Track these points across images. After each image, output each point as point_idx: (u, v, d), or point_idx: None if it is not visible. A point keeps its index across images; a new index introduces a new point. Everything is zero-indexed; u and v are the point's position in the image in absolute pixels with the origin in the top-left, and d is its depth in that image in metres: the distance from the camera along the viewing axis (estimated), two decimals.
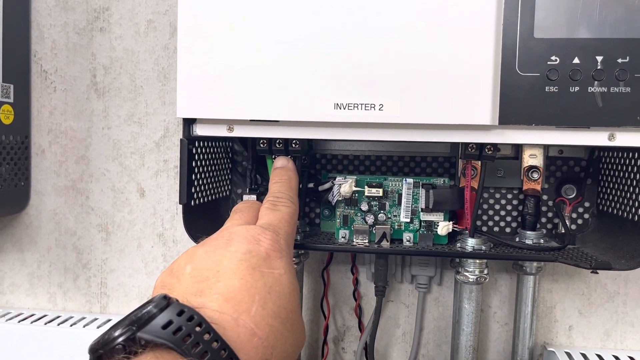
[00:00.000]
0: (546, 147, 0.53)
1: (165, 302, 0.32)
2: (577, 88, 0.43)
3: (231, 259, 0.37)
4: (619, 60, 0.43)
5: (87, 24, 0.65)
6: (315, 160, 0.60)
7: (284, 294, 0.37)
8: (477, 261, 0.53)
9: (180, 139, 0.49)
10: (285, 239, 0.42)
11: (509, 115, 0.44)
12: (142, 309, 0.31)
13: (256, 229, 0.41)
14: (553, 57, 0.43)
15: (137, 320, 0.31)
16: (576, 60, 0.43)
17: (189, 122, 0.49)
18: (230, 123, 0.48)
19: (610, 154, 0.54)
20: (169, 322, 0.31)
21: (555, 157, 0.57)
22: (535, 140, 0.46)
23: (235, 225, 0.42)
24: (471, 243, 0.51)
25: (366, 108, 0.45)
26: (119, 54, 0.65)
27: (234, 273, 0.36)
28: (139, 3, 0.64)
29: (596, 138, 0.45)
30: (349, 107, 0.45)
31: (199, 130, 0.49)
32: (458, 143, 0.53)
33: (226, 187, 0.60)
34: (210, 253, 0.38)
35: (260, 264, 0.38)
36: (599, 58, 0.43)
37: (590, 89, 0.43)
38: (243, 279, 0.36)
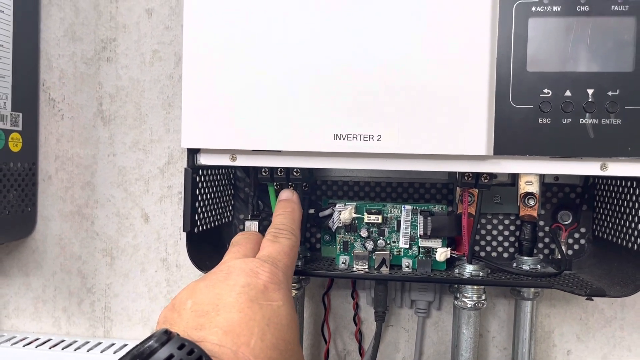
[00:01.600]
0: (542, 174, 0.54)
1: (166, 336, 0.33)
2: (569, 120, 0.45)
3: (230, 293, 0.38)
4: (609, 93, 0.44)
5: (95, 54, 0.67)
6: (315, 187, 0.61)
7: (283, 326, 0.38)
8: (475, 287, 0.53)
9: (185, 168, 0.50)
10: (284, 271, 0.43)
11: (503, 145, 0.45)
12: (143, 344, 0.32)
13: (254, 261, 0.42)
14: (545, 90, 0.45)
15: (139, 355, 0.31)
16: (568, 93, 0.45)
17: (193, 152, 0.50)
18: (233, 153, 0.50)
19: (605, 181, 0.55)
20: (170, 356, 0.32)
21: (551, 184, 0.58)
22: (529, 169, 0.47)
23: (233, 258, 0.43)
24: (469, 269, 0.53)
25: (365, 139, 0.46)
26: (125, 82, 0.67)
27: (232, 306, 0.37)
28: (144, 34, 0.66)
29: (589, 168, 0.46)
30: (349, 138, 0.46)
31: (203, 160, 0.50)
32: (455, 171, 0.55)
33: (229, 213, 0.61)
34: (210, 287, 0.39)
35: (258, 297, 0.38)
36: (590, 91, 0.44)
37: (582, 121, 0.45)
38: (242, 312, 0.37)
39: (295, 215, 0.51)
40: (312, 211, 0.57)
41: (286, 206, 0.51)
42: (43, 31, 0.68)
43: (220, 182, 0.58)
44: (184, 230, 0.50)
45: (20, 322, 0.70)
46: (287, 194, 0.53)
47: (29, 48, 0.66)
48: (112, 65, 0.67)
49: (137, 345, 0.32)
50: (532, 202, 0.54)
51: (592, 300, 0.47)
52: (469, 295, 0.54)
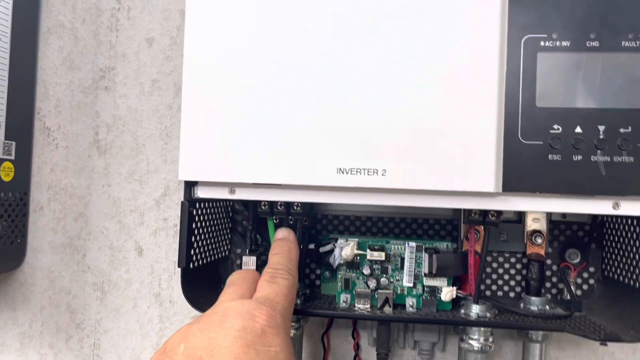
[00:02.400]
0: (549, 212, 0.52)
1: None
2: (580, 157, 0.43)
3: (225, 337, 0.36)
4: (621, 130, 0.43)
5: (93, 83, 0.66)
6: (316, 221, 0.60)
7: None
8: (482, 328, 0.51)
9: (182, 202, 0.48)
10: (282, 313, 0.41)
11: (512, 182, 0.44)
12: None
13: (251, 303, 0.40)
14: (555, 126, 0.44)
15: None
16: (578, 130, 0.44)
17: (190, 185, 0.49)
18: (232, 186, 0.48)
19: (614, 219, 0.54)
20: None
21: (559, 222, 0.57)
22: (539, 207, 0.45)
23: (229, 299, 0.41)
24: (475, 310, 0.50)
25: (369, 173, 0.45)
26: (123, 112, 0.65)
27: (228, 352, 0.35)
28: (144, 63, 0.65)
29: (600, 207, 0.44)
30: (352, 172, 0.45)
31: (201, 193, 0.49)
32: (462, 208, 0.53)
33: (226, 247, 0.59)
34: (204, 331, 0.37)
35: (255, 342, 0.37)
36: (601, 128, 0.43)
37: (593, 158, 0.43)
38: (238, 358, 0.35)
39: (293, 255, 0.49)
40: (312, 246, 0.56)
41: (283, 245, 0.49)
42: (40, 59, 0.67)
43: (218, 216, 0.56)
44: (178, 266, 0.48)
45: (5, 358, 0.67)
46: (283, 233, 0.51)
47: (25, 76, 0.65)
48: (110, 95, 0.66)
49: None
50: (539, 240, 0.52)
51: (606, 345, 0.45)
52: (475, 337, 0.51)
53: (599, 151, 0.43)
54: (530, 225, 0.52)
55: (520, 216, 0.54)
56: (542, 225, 0.52)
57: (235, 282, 0.45)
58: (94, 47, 0.66)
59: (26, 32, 0.64)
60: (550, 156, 0.44)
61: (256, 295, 0.43)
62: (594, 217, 0.56)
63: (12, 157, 0.62)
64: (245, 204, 0.59)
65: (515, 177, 0.44)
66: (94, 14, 0.66)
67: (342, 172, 0.45)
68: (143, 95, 0.65)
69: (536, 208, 0.45)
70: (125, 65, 0.65)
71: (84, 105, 0.66)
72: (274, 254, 0.48)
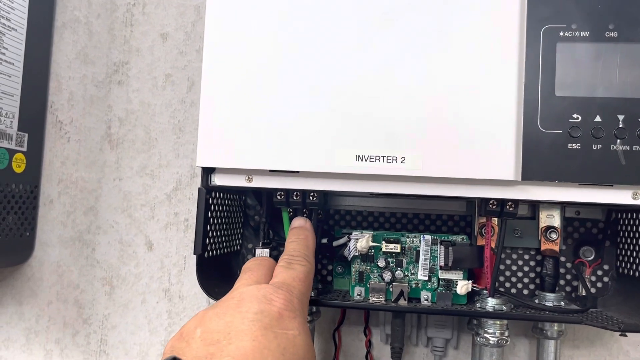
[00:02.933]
0: (563, 208, 0.52)
1: None
2: (599, 146, 0.44)
3: (242, 320, 0.36)
4: None
5: (106, 77, 0.66)
6: (328, 216, 0.59)
7: (299, 357, 0.36)
8: (498, 322, 0.51)
9: (199, 188, 0.48)
10: (299, 298, 0.41)
11: (532, 171, 0.44)
12: None
13: (268, 288, 0.40)
14: (575, 115, 0.44)
15: None
16: (598, 119, 0.44)
17: (207, 172, 0.49)
18: (249, 173, 0.48)
19: (629, 215, 0.54)
20: None
21: (572, 218, 0.56)
22: (558, 197, 0.45)
23: (245, 285, 0.41)
24: (492, 303, 0.50)
25: (388, 160, 0.45)
26: (135, 106, 0.65)
27: (245, 334, 0.35)
28: (158, 58, 0.65)
29: (620, 196, 0.44)
30: (371, 159, 0.45)
31: (218, 180, 0.48)
32: (474, 202, 0.53)
33: (237, 242, 0.59)
34: (220, 315, 0.37)
35: (273, 325, 0.36)
36: (621, 117, 0.43)
37: (613, 147, 0.43)
38: (255, 340, 0.35)
39: (309, 243, 0.49)
40: (324, 240, 0.55)
41: (299, 233, 0.49)
42: (54, 53, 0.67)
43: (231, 208, 0.56)
44: (194, 253, 0.48)
45: (10, 354, 0.66)
46: (299, 222, 0.51)
47: (39, 69, 0.65)
48: (123, 89, 0.66)
49: None
50: (554, 236, 0.52)
51: (625, 336, 0.45)
52: (491, 331, 0.51)
53: (618, 140, 0.43)
54: (545, 221, 0.52)
55: (534, 212, 0.54)
56: (556, 222, 0.52)
57: (251, 269, 0.45)
58: (108, 42, 0.66)
59: (41, 26, 0.65)
60: (569, 145, 0.44)
61: (273, 280, 0.43)
62: (608, 214, 0.56)
63: (24, 149, 0.62)
64: (259, 197, 0.58)
65: (535, 166, 0.44)
66: (109, 9, 0.67)
67: (361, 160, 0.45)
68: (156, 90, 0.65)
69: (555, 198, 0.45)
70: (139, 60, 0.66)
71: (97, 99, 0.66)
72: (290, 242, 0.48)
